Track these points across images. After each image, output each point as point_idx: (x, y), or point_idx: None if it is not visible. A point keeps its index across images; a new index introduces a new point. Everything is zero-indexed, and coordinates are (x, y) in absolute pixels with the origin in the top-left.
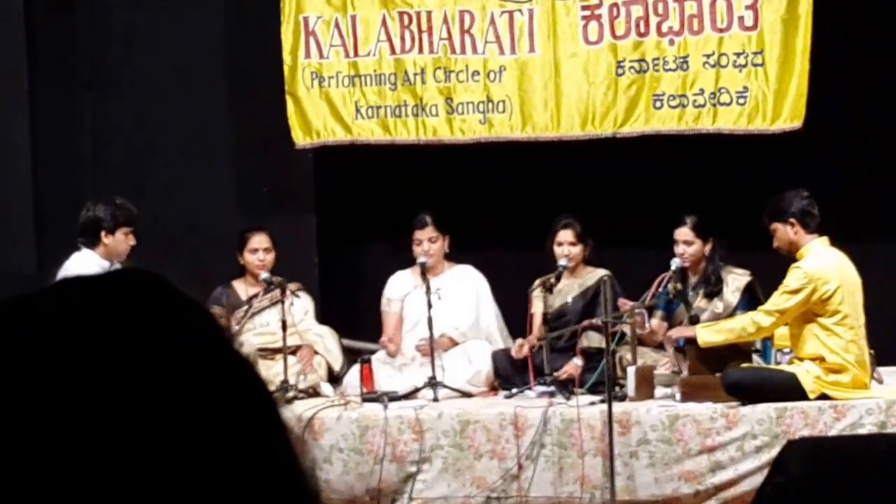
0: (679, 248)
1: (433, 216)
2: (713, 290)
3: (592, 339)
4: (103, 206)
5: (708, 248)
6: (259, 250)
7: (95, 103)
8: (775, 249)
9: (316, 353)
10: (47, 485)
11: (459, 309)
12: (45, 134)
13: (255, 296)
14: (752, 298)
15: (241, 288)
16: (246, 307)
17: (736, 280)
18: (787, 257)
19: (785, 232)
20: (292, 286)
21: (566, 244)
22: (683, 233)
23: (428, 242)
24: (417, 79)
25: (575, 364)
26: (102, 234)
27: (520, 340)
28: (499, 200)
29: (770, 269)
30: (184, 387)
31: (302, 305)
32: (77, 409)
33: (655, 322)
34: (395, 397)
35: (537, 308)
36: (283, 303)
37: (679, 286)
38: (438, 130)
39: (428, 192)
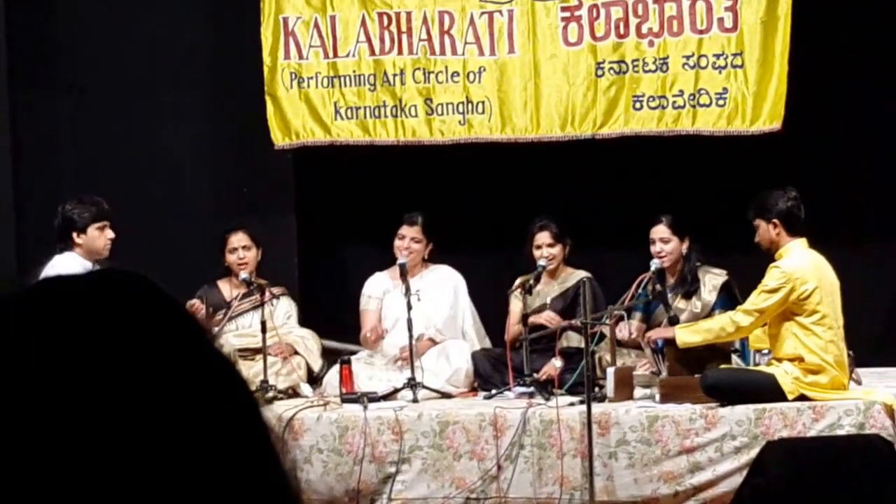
0: (656, 247)
1: (425, 219)
2: (690, 289)
3: (572, 340)
4: (70, 206)
5: (685, 246)
6: (238, 248)
7: (75, 104)
8: (756, 244)
9: (296, 353)
10: (21, 484)
11: (438, 309)
12: (25, 134)
13: (240, 296)
14: (729, 297)
15: (226, 288)
16: (227, 308)
17: (713, 279)
18: (766, 258)
19: (767, 230)
20: (276, 290)
21: (544, 246)
22: (660, 230)
23: (410, 241)
24: (397, 79)
25: (554, 365)
26: (74, 234)
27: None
28: (478, 201)
29: (750, 269)
30: (165, 386)
31: (284, 309)
32: (57, 409)
33: (635, 324)
34: (374, 398)
35: (515, 307)
36: (263, 304)
37: (658, 287)
38: (418, 131)
39: (407, 193)
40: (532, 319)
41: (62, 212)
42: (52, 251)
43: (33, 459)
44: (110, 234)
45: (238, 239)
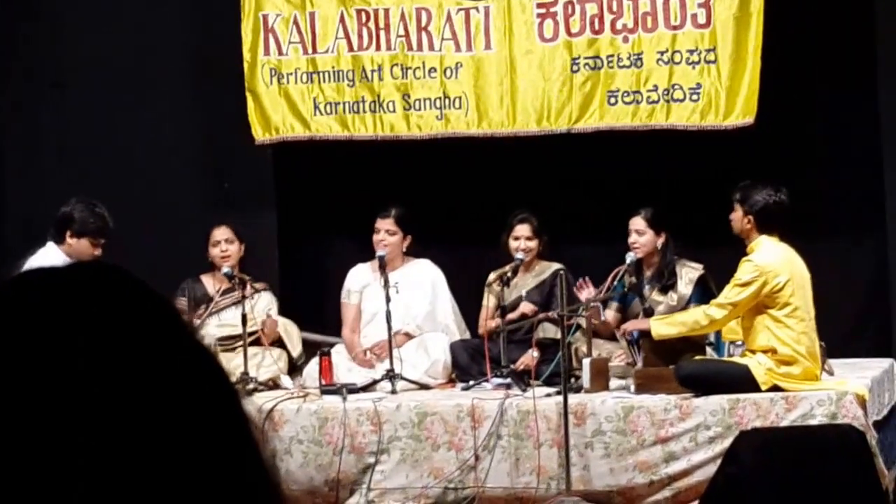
0: (631, 238)
1: (399, 212)
2: (667, 283)
3: (548, 331)
4: (82, 207)
5: (660, 241)
6: (221, 242)
7: (59, 101)
8: (730, 226)
9: (279, 338)
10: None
11: (416, 302)
12: (9, 131)
13: (222, 290)
14: (704, 291)
15: (209, 282)
16: (208, 302)
17: (689, 273)
18: (740, 251)
19: (740, 219)
20: (258, 285)
21: (523, 238)
22: (636, 222)
23: (385, 233)
24: (375, 75)
25: (531, 356)
26: (68, 233)
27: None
28: (456, 196)
29: (724, 262)
30: (145, 377)
31: (265, 304)
32: (36, 400)
33: (610, 314)
34: (353, 389)
35: (490, 302)
36: (244, 298)
37: (633, 280)
38: (396, 126)
39: (386, 187)
40: (510, 316)
41: (71, 209)
42: (34, 246)
43: (10, 448)
44: (98, 251)
45: (221, 233)
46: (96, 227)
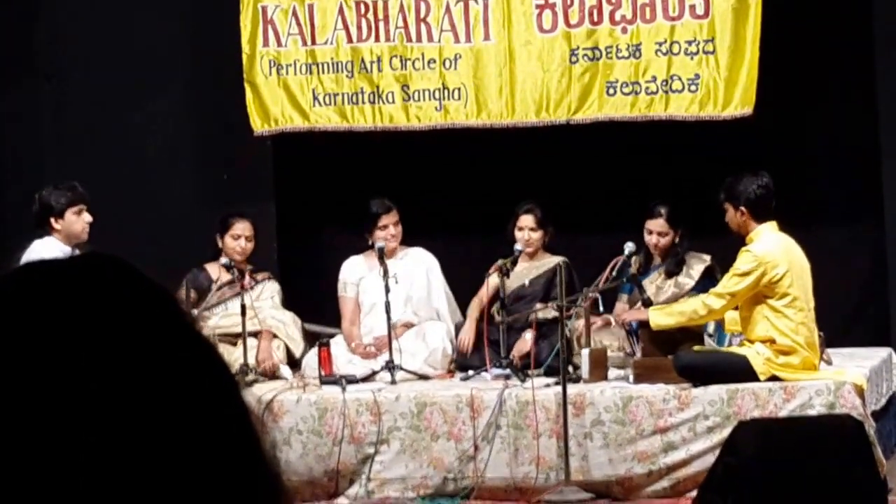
0: (652, 239)
1: (391, 200)
2: (675, 271)
3: (545, 311)
4: (47, 192)
5: (677, 237)
6: (242, 237)
7: (56, 92)
8: (727, 224)
9: (275, 336)
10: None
11: (414, 290)
12: (4, 123)
13: (225, 281)
14: (711, 282)
15: (214, 270)
16: (208, 291)
17: (697, 263)
18: (740, 242)
19: (734, 216)
20: (260, 276)
21: (527, 229)
22: (659, 224)
23: (393, 227)
24: (374, 66)
25: (525, 339)
26: (52, 220)
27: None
28: (454, 186)
29: (721, 252)
30: (145, 370)
31: (269, 293)
32: (37, 393)
33: (620, 306)
34: (353, 380)
35: (492, 282)
36: (243, 289)
37: (632, 270)
38: (395, 117)
39: (385, 178)
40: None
41: (39, 198)
42: (32, 238)
43: (10, 443)
44: (88, 217)
45: (244, 227)
46: (71, 198)
